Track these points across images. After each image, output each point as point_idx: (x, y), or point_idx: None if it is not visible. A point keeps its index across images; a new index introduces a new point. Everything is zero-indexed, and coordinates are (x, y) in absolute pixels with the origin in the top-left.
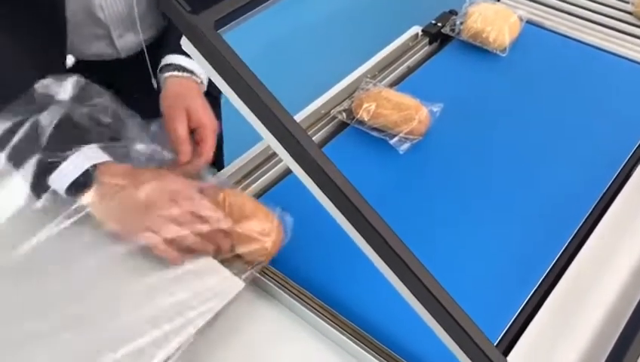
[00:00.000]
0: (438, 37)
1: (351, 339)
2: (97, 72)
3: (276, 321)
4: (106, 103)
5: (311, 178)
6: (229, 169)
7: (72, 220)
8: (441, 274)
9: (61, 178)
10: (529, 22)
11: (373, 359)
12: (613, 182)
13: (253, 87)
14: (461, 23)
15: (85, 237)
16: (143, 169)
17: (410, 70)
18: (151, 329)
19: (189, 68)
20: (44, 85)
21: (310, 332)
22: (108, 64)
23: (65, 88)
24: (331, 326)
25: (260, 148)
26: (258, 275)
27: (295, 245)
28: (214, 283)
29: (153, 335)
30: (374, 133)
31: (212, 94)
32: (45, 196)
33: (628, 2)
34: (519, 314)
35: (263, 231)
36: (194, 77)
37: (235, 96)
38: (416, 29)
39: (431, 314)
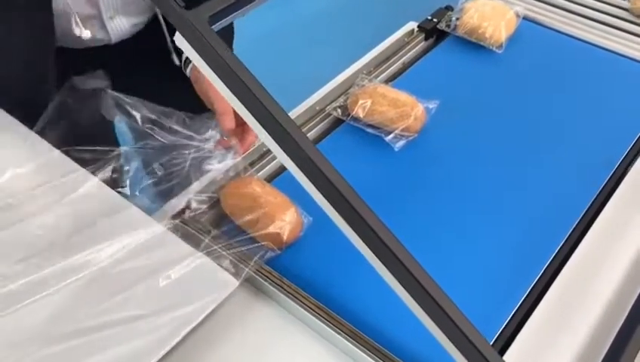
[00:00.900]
0: (434, 33)
1: (347, 339)
2: (88, 60)
3: (271, 320)
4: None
5: (305, 175)
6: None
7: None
8: (436, 271)
9: None
10: (525, 18)
11: (370, 359)
12: (609, 179)
13: (248, 85)
14: (457, 19)
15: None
16: None
17: (406, 66)
18: (144, 329)
19: None
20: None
21: (306, 332)
22: (98, 52)
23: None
24: (327, 325)
25: None
26: (253, 274)
27: (291, 244)
28: (208, 281)
29: (147, 336)
30: (370, 130)
31: None
32: None
33: None
34: (515, 312)
35: (284, 218)
36: None
37: (230, 93)
38: (412, 25)
39: (426, 312)
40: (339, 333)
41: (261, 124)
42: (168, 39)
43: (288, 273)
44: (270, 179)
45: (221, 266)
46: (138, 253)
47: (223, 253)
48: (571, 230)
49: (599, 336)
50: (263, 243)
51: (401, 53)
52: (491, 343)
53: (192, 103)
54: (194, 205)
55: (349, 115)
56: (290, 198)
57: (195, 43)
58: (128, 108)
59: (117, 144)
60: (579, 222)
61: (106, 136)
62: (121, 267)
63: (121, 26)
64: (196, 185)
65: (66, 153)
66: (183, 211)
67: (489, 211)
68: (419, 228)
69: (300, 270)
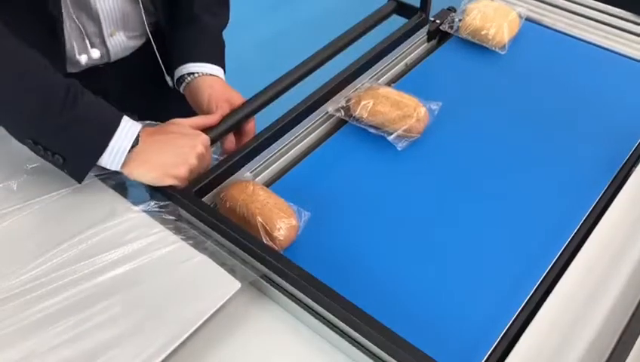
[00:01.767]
0: (437, 34)
1: (347, 340)
2: (85, 84)
3: (272, 321)
4: None
5: None
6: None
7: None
8: (438, 271)
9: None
10: (528, 19)
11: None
12: (613, 180)
13: None
14: (460, 20)
15: None
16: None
17: (409, 67)
18: (146, 331)
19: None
20: None
21: (306, 333)
22: (94, 73)
23: None
24: (328, 326)
25: None
26: (258, 278)
27: (292, 245)
28: (210, 283)
29: (149, 337)
30: (372, 131)
31: None
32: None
33: None
34: (516, 318)
35: (281, 223)
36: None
37: None
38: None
39: None
40: (340, 334)
41: None
42: (160, 59)
43: None
44: (268, 184)
45: (224, 268)
46: (140, 254)
47: (225, 254)
48: (574, 232)
49: (600, 345)
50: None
51: (404, 54)
52: (492, 348)
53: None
54: None
55: (351, 115)
56: (288, 202)
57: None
58: None
59: None
60: (583, 223)
61: None
62: (123, 268)
63: (120, 42)
64: None
65: None
66: None
67: (490, 212)
68: (421, 228)
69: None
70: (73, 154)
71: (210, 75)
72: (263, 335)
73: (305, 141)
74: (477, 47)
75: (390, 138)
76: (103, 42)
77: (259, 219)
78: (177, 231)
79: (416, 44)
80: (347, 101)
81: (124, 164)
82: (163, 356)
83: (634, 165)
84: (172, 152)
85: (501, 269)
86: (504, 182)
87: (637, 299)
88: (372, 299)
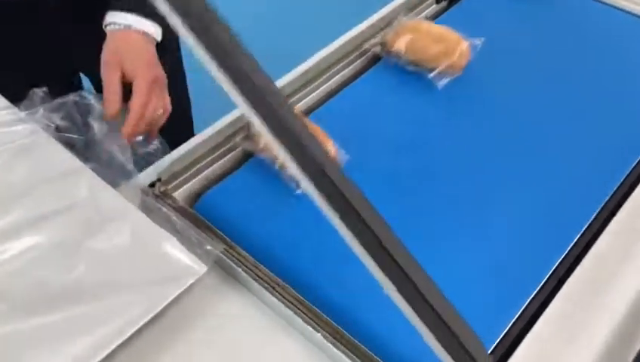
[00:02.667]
0: None
1: (327, 339)
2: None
3: (242, 309)
4: None
5: (291, 155)
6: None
7: None
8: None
9: None
10: None
11: (347, 360)
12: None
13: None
14: None
15: None
16: None
17: (450, 4)
18: (108, 316)
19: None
20: None
21: (280, 326)
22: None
23: None
24: (306, 321)
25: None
26: (224, 257)
27: (269, 229)
28: (174, 264)
29: (107, 322)
30: (411, 68)
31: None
32: None
33: None
34: (519, 316)
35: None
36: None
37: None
38: None
39: (414, 310)
40: (318, 331)
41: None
42: None
43: (265, 259)
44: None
45: (190, 248)
46: (99, 230)
47: (193, 233)
48: (586, 227)
49: (611, 349)
50: None
51: None
52: (494, 347)
53: None
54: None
55: (388, 51)
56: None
57: None
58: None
59: None
60: (595, 219)
61: None
62: (81, 246)
63: None
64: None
65: None
66: (152, 185)
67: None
68: (453, 175)
69: (279, 257)
70: None
71: (125, 28)
72: (231, 322)
73: (337, 77)
74: None
75: (431, 76)
76: None
77: None
78: (143, 206)
79: None
80: (383, 36)
81: None
82: (115, 344)
83: None
84: None
85: (509, 259)
86: (540, 135)
87: None
88: (353, 293)
